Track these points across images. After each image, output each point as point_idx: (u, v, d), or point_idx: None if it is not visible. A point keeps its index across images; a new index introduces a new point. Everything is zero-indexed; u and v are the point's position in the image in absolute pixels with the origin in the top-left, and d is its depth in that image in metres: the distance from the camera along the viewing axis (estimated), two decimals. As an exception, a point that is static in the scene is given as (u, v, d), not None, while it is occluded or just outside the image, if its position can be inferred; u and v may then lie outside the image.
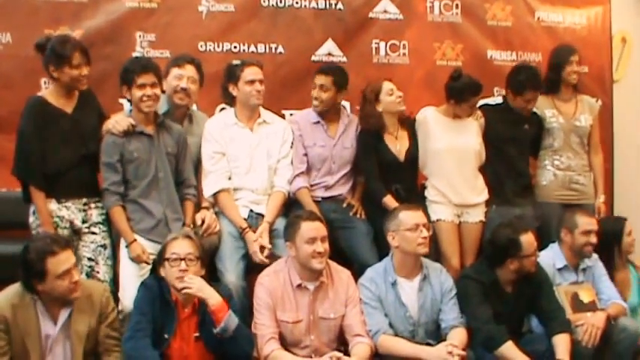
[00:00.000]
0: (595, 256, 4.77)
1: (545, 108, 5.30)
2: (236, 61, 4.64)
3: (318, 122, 4.88)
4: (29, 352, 3.62)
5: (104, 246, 4.36)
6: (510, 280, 4.36)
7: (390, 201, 4.72)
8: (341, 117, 4.99)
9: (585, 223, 4.65)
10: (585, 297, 4.59)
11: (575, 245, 4.65)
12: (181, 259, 3.81)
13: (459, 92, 4.89)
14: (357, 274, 4.36)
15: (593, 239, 4.62)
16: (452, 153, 4.95)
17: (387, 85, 4.85)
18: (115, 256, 4.41)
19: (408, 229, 4.18)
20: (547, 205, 5.24)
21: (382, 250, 4.51)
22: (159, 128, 4.39)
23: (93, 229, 4.34)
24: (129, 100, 4.37)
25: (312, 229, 4.05)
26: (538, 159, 5.40)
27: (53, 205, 4.23)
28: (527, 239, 4.29)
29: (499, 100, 5.29)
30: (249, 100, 4.67)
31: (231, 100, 4.75)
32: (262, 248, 4.45)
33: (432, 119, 5.01)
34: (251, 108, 4.70)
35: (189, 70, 4.62)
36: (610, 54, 6.41)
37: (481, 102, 5.14)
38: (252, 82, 4.62)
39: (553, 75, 5.37)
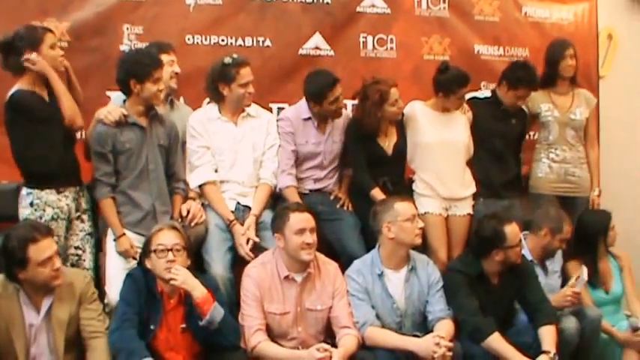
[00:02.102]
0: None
1: (541, 102, 5.32)
2: (227, 60, 4.55)
3: (309, 118, 4.86)
4: (14, 341, 3.63)
5: (91, 234, 4.39)
6: (496, 272, 4.38)
7: (377, 193, 4.73)
8: None
9: (567, 231, 4.69)
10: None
11: (548, 247, 4.70)
12: (168, 250, 3.81)
13: (447, 84, 4.88)
14: (345, 266, 4.37)
15: (563, 245, 4.72)
16: (440, 146, 4.96)
17: (393, 95, 4.78)
18: (97, 246, 4.43)
19: (406, 220, 4.20)
20: (542, 197, 5.27)
21: (369, 242, 4.52)
22: (151, 120, 4.38)
23: (82, 216, 4.36)
24: (126, 92, 4.33)
25: (301, 220, 4.05)
26: (534, 152, 5.43)
27: (53, 196, 4.22)
28: (512, 230, 4.30)
29: (487, 93, 5.30)
30: (241, 102, 4.65)
31: (217, 98, 4.68)
32: (248, 241, 4.44)
33: (420, 113, 5.01)
34: (240, 107, 4.70)
35: (173, 55, 4.69)
36: (596, 50, 6.45)
37: (469, 95, 5.14)
38: (246, 84, 4.59)
39: (549, 69, 5.38)
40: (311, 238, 4.05)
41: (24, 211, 4.24)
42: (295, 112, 4.90)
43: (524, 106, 5.27)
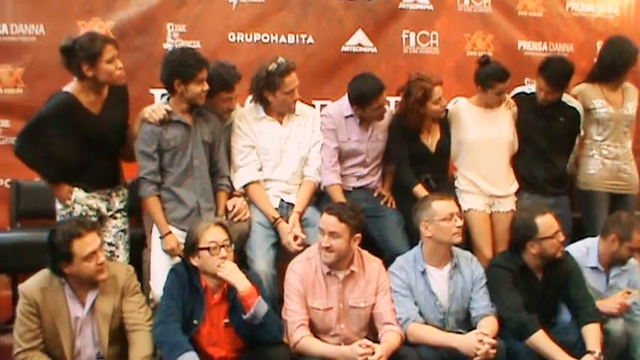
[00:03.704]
0: (632, 261, 4.62)
1: (593, 98, 5.22)
2: (272, 67, 4.52)
3: (352, 116, 4.84)
4: (60, 334, 3.70)
5: (124, 231, 4.45)
6: (539, 267, 4.33)
7: (420, 190, 4.72)
8: None
9: (637, 239, 4.46)
10: None
11: (616, 254, 4.51)
12: (220, 247, 3.83)
13: (485, 78, 4.85)
14: (388, 263, 4.35)
15: (636, 255, 4.52)
16: (484, 144, 4.93)
17: (437, 93, 4.75)
18: (139, 243, 4.50)
19: (443, 219, 4.17)
20: (594, 194, 5.21)
21: (413, 239, 4.51)
22: (196, 117, 4.41)
23: (116, 214, 4.41)
24: (170, 91, 4.35)
25: (322, 221, 4.09)
26: (583, 148, 5.31)
27: (81, 193, 4.28)
28: (544, 221, 4.26)
29: (534, 88, 5.19)
30: (287, 109, 4.68)
31: (263, 103, 4.68)
32: (296, 238, 4.46)
33: (464, 110, 4.99)
34: (285, 111, 4.70)
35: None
36: (642, 45, 6.35)
37: (517, 90, 5.10)
38: (291, 91, 4.59)
39: (609, 67, 5.22)
40: (327, 242, 4.03)
41: (57, 207, 4.33)
42: (338, 109, 4.89)
43: (575, 103, 5.15)
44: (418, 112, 4.76)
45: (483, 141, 4.93)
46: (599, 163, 5.23)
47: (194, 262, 3.88)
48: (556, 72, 4.93)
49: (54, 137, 4.20)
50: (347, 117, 4.84)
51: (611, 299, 4.41)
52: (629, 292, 4.44)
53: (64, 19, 5.35)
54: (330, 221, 4.04)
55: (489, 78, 4.83)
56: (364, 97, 4.68)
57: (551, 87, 4.95)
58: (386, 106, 4.87)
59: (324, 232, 4.04)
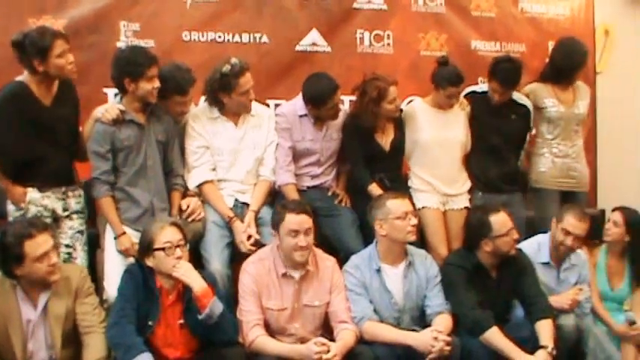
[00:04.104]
0: (583, 256, 4.77)
1: (545, 97, 5.29)
2: (225, 69, 4.47)
3: (305, 115, 4.83)
4: (11, 337, 3.65)
5: (81, 232, 4.38)
6: (492, 264, 4.38)
7: (374, 189, 4.74)
8: None
9: (569, 224, 4.55)
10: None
11: (559, 243, 4.59)
12: (176, 247, 3.80)
13: (439, 79, 4.88)
14: (343, 262, 4.36)
15: (570, 241, 4.53)
16: (438, 145, 4.97)
17: (392, 93, 4.76)
18: (92, 243, 4.44)
19: (398, 218, 4.19)
20: (545, 192, 5.28)
21: (367, 237, 4.52)
22: (149, 116, 4.38)
23: (72, 215, 4.34)
24: (121, 90, 4.32)
25: (295, 222, 4.03)
26: (535, 146, 5.39)
27: (35, 194, 4.21)
28: (498, 219, 4.31)
29: (485, 87, 5.24)
30: (243, 110, 4.65)
31: (218, 105, 4.62)
32: (249, 237, 4.44)
33: (419, 110, 5.02)
34: (241, 113, 4.68)
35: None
36: (593, 46, 6.44)
37: (468, 90, 5.14)
38: (246, 92, 4.55)
39: (560, 69, 5.29)
40: (305, 240, 4.02)
41: (9, 208, 4.26)
42: (292, 109, 4.88)
43: (525, 101, 5.22)
44: (373, 111, 4.77)
45: (437, 141, 4.96)
46: (550, 162, 5.31)
47: (149, 262, 3.84)
48: (507, 72, 4.99)
49: (6, 128, 4.13)
50: (301, 116, 4.83)
51: (564, 295, 4.49)
52: (580, 289, 4.52)
53: (14, 16, 5.26)
54: (303, 219, 4.04)
55: (443, 80, 4.86)
56: (319, 97, 4.69)
57: (504, 87, 5.01)
58: (340, 106, 4.88)
59: (299, 232, 4.01)
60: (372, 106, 4.75)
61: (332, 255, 4.36)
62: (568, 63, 5.28)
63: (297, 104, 4.87)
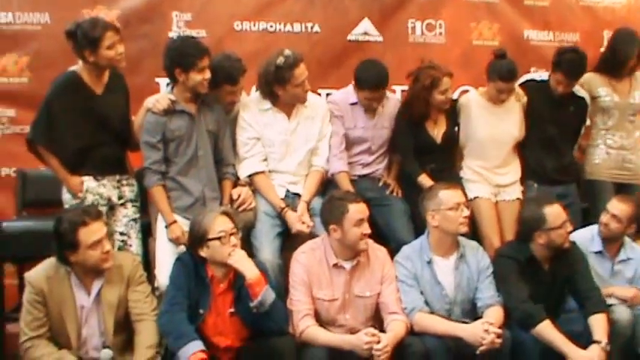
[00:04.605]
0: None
1: (599, 86, 5.19)
2: (280, 61, 4.43)
3: (357, 103, 4.83)
4: (66, 323, 3.71)
5: (135, 220, 4.44)
6: (545, 257, 4.32)
7: (424, 179, 4.72)
8: None
9: (612, 206, 4.54)
10: None
11: (606, 228, 4.55)
12: (230, 235, 3.82)
13: (491, 71, 4.83)
14: (394, 252, 4.35)
15: (614, 224, 4.50)
16: (492, 141, 4.93)
17: (445, 84, 4.72)
18: (144, 232, 4.49)
19: (450, 209, 4.16)
20: (598, 184, 5.21)
21: (419, 228, 4.49)
22: (200, 106, 4.39)
23: (127, 203, 4.41)
24: (173, 80, 4.35)
25: (359, 211, 4.04)
26: (589, 137, 5.31)
27: (92, 182, 4.28)
28: (552, 211, 4.25)
29: (545, 76, 5.16)
30: (298, 101, 4.63)
31: (272, 98, 4.60)
32: (304, 226, 4.46)
33: (474, 103, 4.97)
34: (296, 104, 4.66)
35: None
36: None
37: (526, 77, 5.08)
38: (301, 83, 4.53)
39: (613, 60, 5.20)
40: (367, 228, 4.05)
41: (66, 197, 4.32)
42: (343, 97, 4.88)
43: (583, 93, 5.14)
44: (425, 99, 4.74)
45: (491, 137, 4.92)
46: (604, 153, 5.23)
47: (202, 253, 3.85)
48: (572, 63, 4.90)
49: (61, 118, 4.20)
50: (352, 104, 4.83)
51: (628, 289, 4.45)
52: None
53: (69, 7, 5.32)
54: (364, 207, 4.08)
55: (494, 73, 4.81)
56: (374, 81, 4.69)
57: (570, 79, 4.93)
58: (392, 95, 4.86)
59: (364, 220, 4.03)
60: (425, 94, 4.72)
61: (383, 245, 4.35)
62: (621, 53, 5.18)
63: (348, 92, 4.86)
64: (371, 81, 4.70)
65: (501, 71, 4.79)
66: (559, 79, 4.94)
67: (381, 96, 4.79)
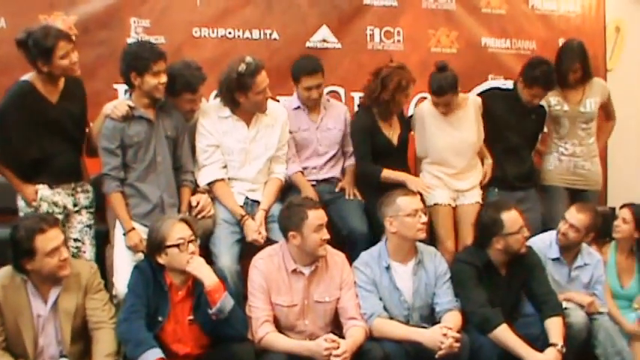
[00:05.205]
0: (597, 257, 4.76)
1: (550, 95, 5.26)
2: (241, 68, 4.42)
3: (299, 107, 4.90)
4: (22, 332, 3.66)
5: (90, 226, 4.41)
6: (503, 262, 4.37)
7: (388, 173, 4.77)
8: (321, 101, 4.98)
9: (571, 216, 4.59)
10: None
11: (563, 236, 4.62)
12: (188, 242, 3.81)
13: (430, 84, 4.87)
14: (349, 246, 4.45)
15: (572, 234, 4.57)
16: (452, 150, 4.97)
17: (410, 90, 4.82)
18: (99, 238, 4.46)
19: (408, 215, 4.18)
20: (552, 189, 5.33)
21: (377, 228, 4.52)
22: (159, 112, 4.38)
23: (81, 210, 4.37)
24: (129, 85, 4.32)
25: (319, 217, 4.05)
26: (545, 145, 5.43)
27: (46, 191, 4.24)
28: (510, 217, 4.29)
29: (509, 85, 5.25)
30: (258, 109, 4.61)
31: (233, 105, 4.58)
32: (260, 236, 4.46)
33: (428, 115, 5.00)
34: (257, 112, 4.65)
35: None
36: (604, 43, 6.47)
37: (489, 85, 5.13)
38: (263, 90, 4.52)
39: (558, 70, 5.23)
40: (326, 233, 4.06)
41: (21, 204, 4.29)
42: (287, 103, 5.00)
43: (543, 102, 5.21)
44: (393, 97, 4.77)
45: (450, 147, 4.96)
46: (557, 160, 5.37)
47: (160, 260, 3.83)
48: (548, 75, 5.00)
49: (14, 129, 4.15)
50: (295, 108, 4.90)
51: (584, 297, 4.53)
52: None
53: (26, 12, 5.25)
54: (323, 213, 4.10)
55: (430, 86, 4.87)
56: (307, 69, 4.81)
57: (547, 90, 5.05)
58: (333, 100, 5.04)
59: (323, 226, 4.05)
60: (395, 92, 4.75)
61: (338, 246, 4.37)
62: (563, 65, 5.26)
63: (292, 98, 4.96)
64: (308, 66, 4.80)
65: (432, 86, 4.85)
66: (535, 93, 5.02)
67: (319, 83, 4.83)
